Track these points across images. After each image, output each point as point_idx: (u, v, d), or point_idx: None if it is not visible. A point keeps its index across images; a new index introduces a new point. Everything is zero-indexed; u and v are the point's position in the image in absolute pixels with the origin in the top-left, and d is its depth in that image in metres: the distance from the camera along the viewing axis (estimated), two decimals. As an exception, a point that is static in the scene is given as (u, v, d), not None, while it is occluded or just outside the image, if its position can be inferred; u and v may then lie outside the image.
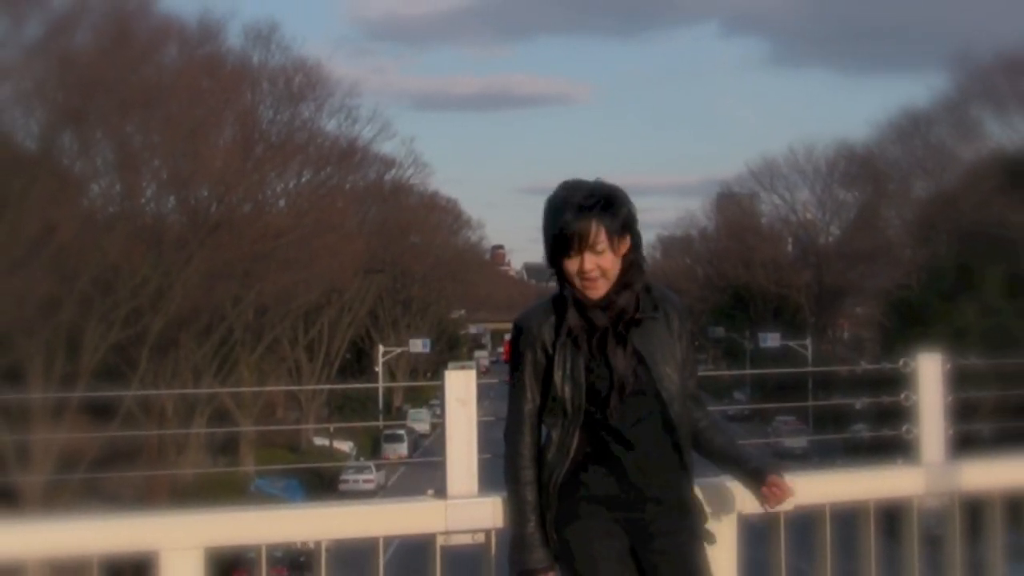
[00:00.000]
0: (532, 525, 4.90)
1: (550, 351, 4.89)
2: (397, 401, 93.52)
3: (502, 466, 5.00)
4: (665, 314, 4.99)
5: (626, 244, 4.89)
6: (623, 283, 4.91)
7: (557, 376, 4.87)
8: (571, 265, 4.84)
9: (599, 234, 4.83)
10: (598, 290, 4.86)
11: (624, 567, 4.90)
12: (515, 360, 4.98)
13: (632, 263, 4.91)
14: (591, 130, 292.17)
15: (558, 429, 4.89)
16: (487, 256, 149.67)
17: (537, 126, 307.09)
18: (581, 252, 4.82)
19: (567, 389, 4.86)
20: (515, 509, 4.95)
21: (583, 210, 4.84)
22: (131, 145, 50.46)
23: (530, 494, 4.91)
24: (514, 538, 4.96)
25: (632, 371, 4.87)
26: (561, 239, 4.83)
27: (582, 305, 4.88)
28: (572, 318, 4.88)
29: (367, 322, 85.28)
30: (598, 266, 4.84)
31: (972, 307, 56.43)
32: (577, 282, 4.85)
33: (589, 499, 4.90)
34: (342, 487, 60.38)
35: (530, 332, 4.93)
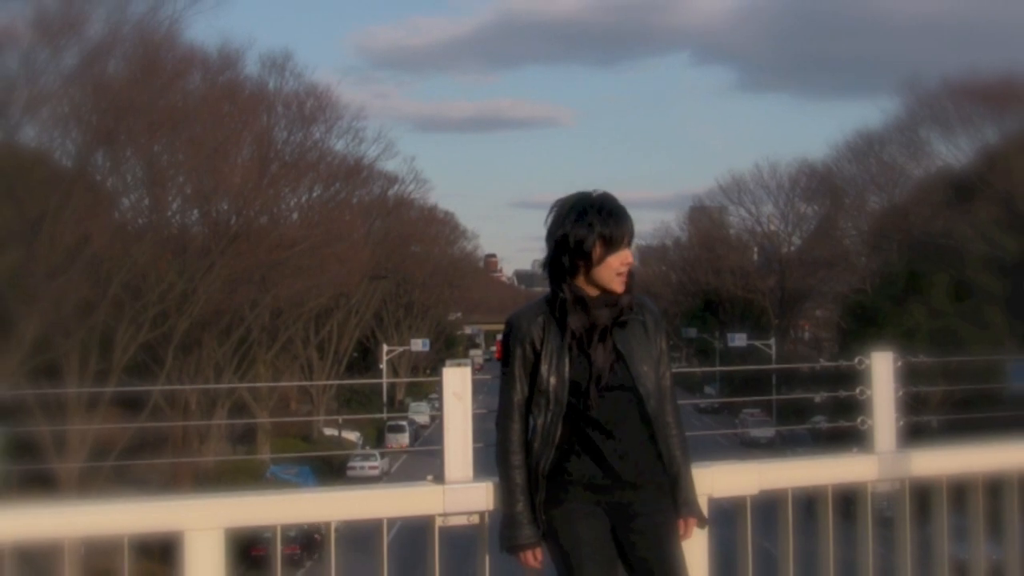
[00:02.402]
0: (521, 505, 4.92)
1: (538, 347, 4.91)
2: (399, 395, 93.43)
3: (494, 452, 5.01)
4: (642, 318, 5.01)
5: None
6: (630, 287, 4.99)
7: (543, 370, 4.89)
8: (617, 259, 4.90)
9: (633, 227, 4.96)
10: (625, 283, 4.93)
11: (605, 545, 4.92)
12: (506, 355, 5.01)
13: (631, 269, 4.97)
14: (574, 150, 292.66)
15: (543, 419, 4.90)
16: (481, 264, 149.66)
17: (526, 147, 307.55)
18: (630, 244, 4.92)
19: (552, 382, 4.88)
20: (505, 491, 4.96)
21: (625, 211, 4.95)
22: (158, 163, 50.40)
23: (519, 477, 4.93)
24: (504, 517, 4.98)
25: (610, 366, 4.90)
26: (617, 235, 4.88)
27: (585, 304, 4.91)
28: (575, 322, 4.92)
29: (372, 323, 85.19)
30: (630, 259, 4.94)
31: (921, 310, 56.48)
32: (614, 275, 4.91)
33: (573, 483, 4.91)
34: (349, 473, 60.37)
35: (520, 329, 4.95)
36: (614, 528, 4.93)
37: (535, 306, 5.02)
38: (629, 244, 4.93)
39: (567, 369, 4.89)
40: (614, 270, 4.89)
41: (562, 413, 4.88)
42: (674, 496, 5.02)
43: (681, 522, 5.02)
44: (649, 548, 4.90)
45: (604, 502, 4.92)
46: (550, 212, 4.99)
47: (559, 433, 4.90)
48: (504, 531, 4.97)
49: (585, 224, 4.87)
